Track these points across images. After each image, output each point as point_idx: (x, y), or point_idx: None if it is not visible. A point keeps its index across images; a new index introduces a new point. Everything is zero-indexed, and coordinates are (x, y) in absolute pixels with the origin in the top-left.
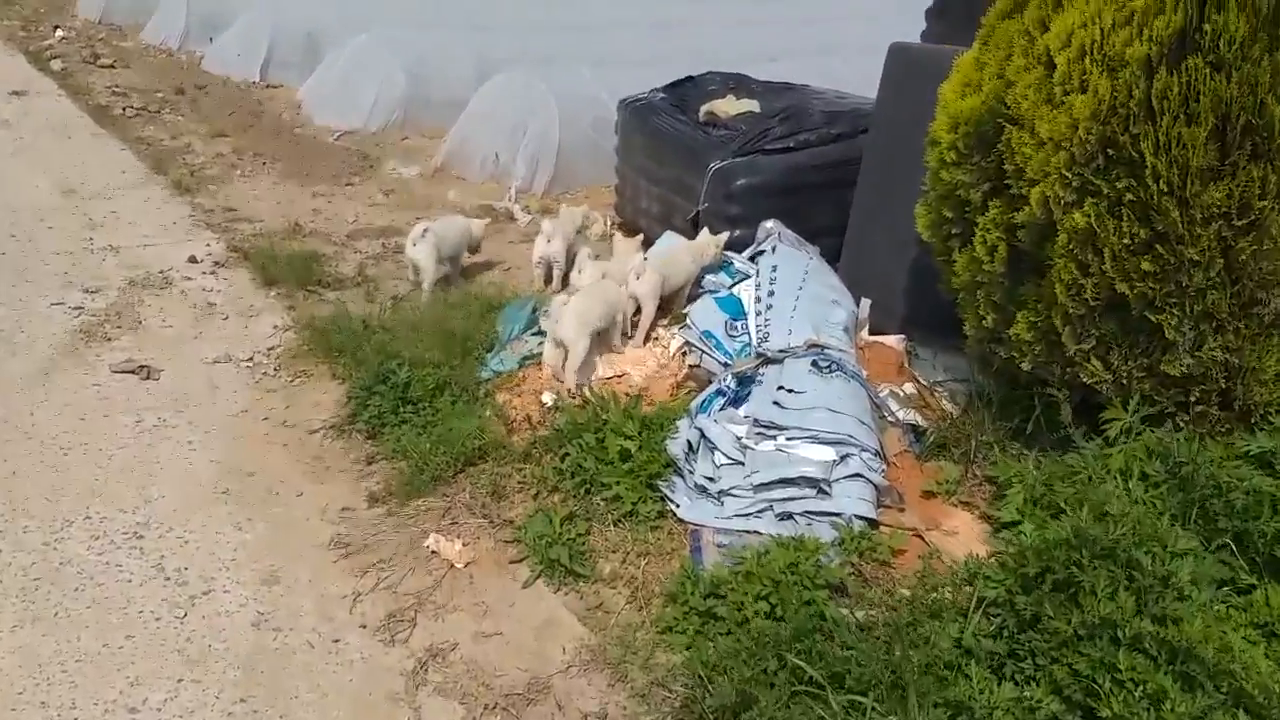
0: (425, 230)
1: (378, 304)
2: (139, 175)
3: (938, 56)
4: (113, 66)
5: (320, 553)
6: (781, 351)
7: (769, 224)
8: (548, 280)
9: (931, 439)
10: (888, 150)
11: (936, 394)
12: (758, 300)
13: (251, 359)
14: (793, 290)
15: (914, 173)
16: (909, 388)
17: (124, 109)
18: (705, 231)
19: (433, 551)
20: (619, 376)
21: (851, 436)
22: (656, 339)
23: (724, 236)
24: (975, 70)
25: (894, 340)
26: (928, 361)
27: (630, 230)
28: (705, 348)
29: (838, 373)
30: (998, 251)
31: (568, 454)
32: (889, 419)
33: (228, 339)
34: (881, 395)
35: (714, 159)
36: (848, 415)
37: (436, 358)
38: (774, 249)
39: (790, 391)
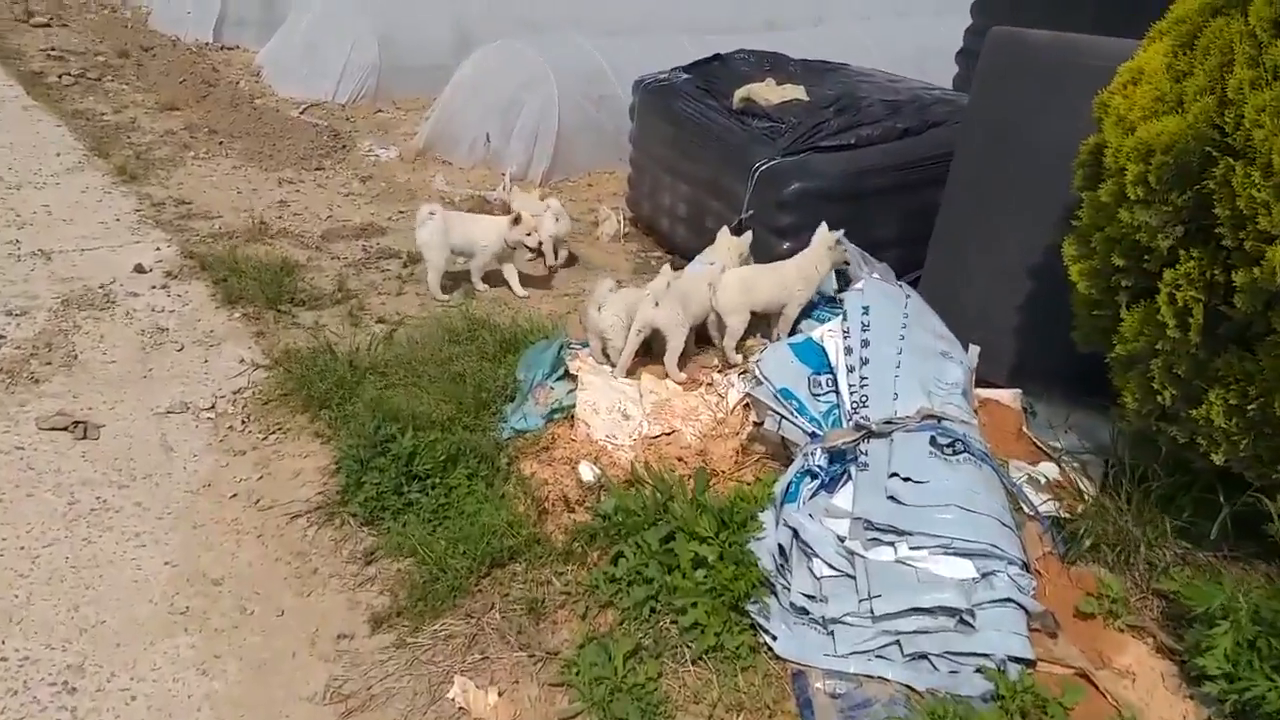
0: (432, 212)
1: (364, 330)
2: (76, 158)
3: (1067, 49)
4: (48, 25)
5: (313, 711)
6: (888, 423)
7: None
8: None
9: (1084, 539)
10: (990, 158)
11: (1064, 466)
12: (848, 351)
13: (213, 407)
14: (893, 339)
15: (1028, 187)
16: (1048, 468)
17: (60, 76)
18: (724, 234)
19: (460, 708)
20: (668, 434)
21: (995, 546)
22: (709, 384)
23: (747, 238)
24: (1170, 81)
25: (1009, 396)
26: (1046, 422)
27: (647, 228)
28: (785, 411)
29: (964, 454)
30: (1192, 315)
31: (622, 555)
32: (1027, 512)
33: (183, 378)
34: (1018, 483)
35: (759, 157)
36: (985, 515)
37: (444, 413)
38: (861, 284)
39: (908, 481)
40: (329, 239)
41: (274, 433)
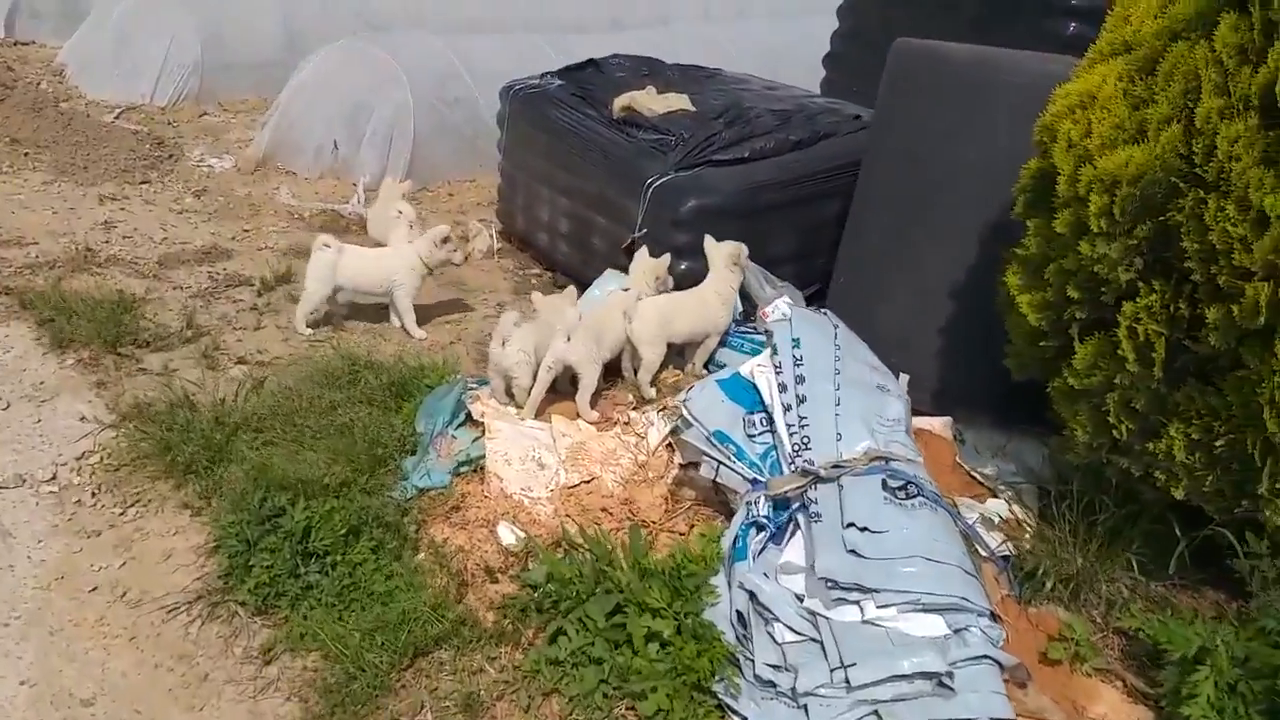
0: (327, 244)
1: (223, 373)
2: None
3: (986, 65)
4: None
5: None
6: (836, 467)
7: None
8: None
9: (1043, 579)
10: (904, 175)
11: (1000, 497)
12: (782, 389)
13: (55, 478)
14: (828, 373)
15: (947, 207)
16: (997, 506)
17: None
18: (641, 256)
19: None
20: (588, 482)
21: (965, 599)
22: (626, 423)
23: (665, 260)
24: (1127, 108)
25: (940, 425)
26: (973, 449)
27: (522, 243)
28: (722, 456)
29: (919, 498)
30: (1154, 349)
31: (563, 633)
32: (982, 553)
33: (13, 444)
34: (970, 522)
35: (650, 172)
36: (949, 565)
37: (336, 474)
38: (781, 311)
39: (866, 531)
40: (167, 265)
41: (132, 505)
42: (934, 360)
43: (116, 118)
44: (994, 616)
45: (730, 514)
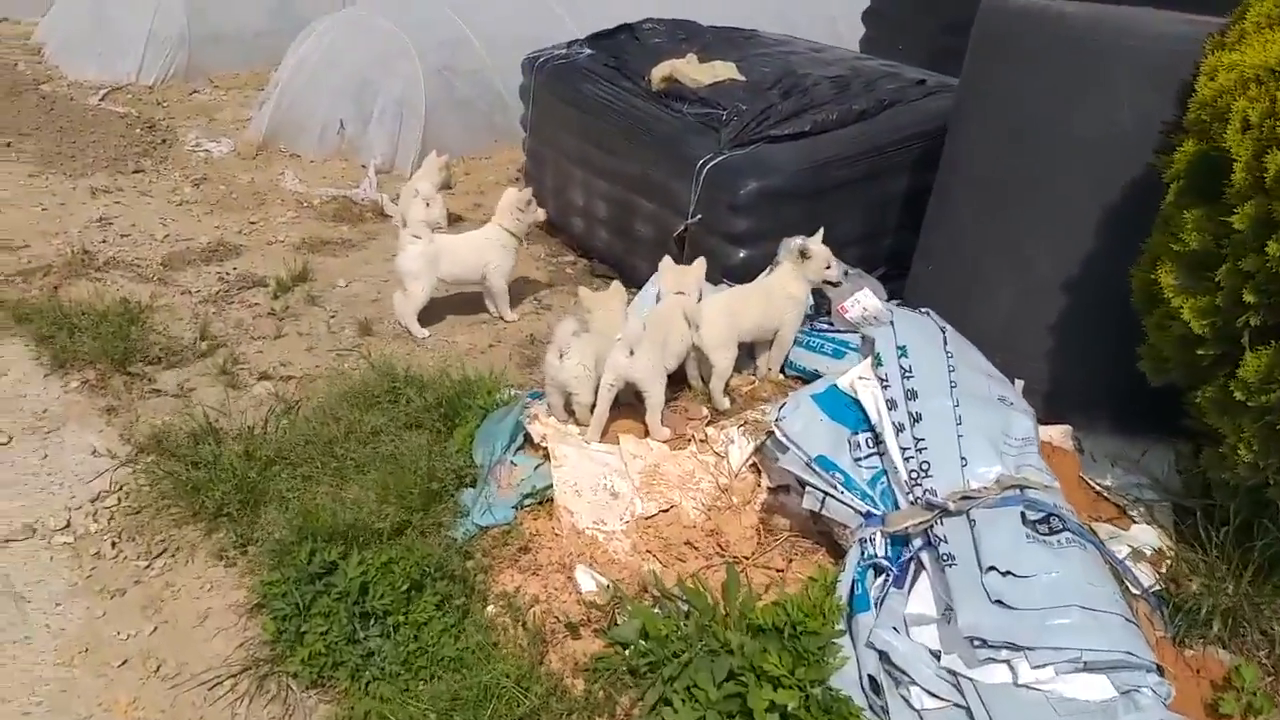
0: (417, 236)
1: (245, 392)
2: None
3: (1101, 25)
4: None
5: None
6: (965, 499)
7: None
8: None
9: (1209, 619)
10: (1003, 154)
11: (1131, 515)
12: (890, 405)
13: (69, 526)
14: (943, 386)
15: (1059, 190)
16: (1145, 534)
17: None
18: (666, 264)
19: None
20: (666, 510)
21: (1132, 654)
22: (703, 440)
23: (699, 266)
24: None
25: (1059, 435)
26: (1090, 457)
27: (552, 227)
28: (829, 485)
29: (1064, 534)
30: None
31: (668, 704)
32: (1133, 590)
33: (18, 486)
34: (1122, 558)
35: (702, 151)
36: (1109, 613)
37: (388, 516)
38: (890, 316)
39: (1009, 576)
40: (173, 266)
41: (159, 556)
42: (1044, 361)
43: (102, 100)
44: (1160, 671)
45: (833, 546)
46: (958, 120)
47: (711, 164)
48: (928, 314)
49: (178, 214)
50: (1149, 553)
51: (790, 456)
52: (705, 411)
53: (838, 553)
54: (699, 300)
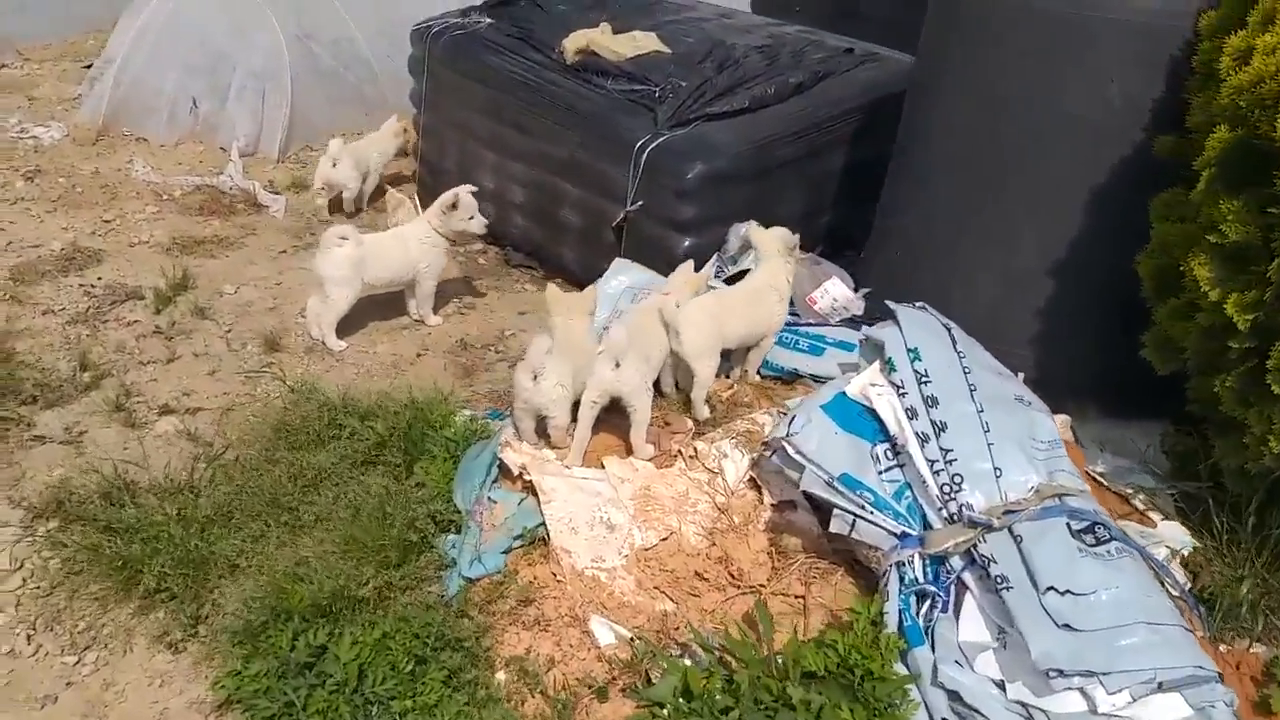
0: (344, 237)
1: (149, 431)
2: None
3: None
4: None
5: None
6: (1008, 512)
7: (745, 228)
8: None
9: (1253, 614)
10: (981, 134)
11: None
12: (910, 414)
13: None
14: (962, 390)
15: (1044, 171)
16: (1173, 532)
17: None
18: (685, 270)
19: None
20: (665, 538)
21: (1200, 668)
22: (692, 455)
23: (707, 273)
24: None
25: (1060, 426)
26: (1080, 443)
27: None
28: (857, 505)
29: (1112, 543)
30: None
31: None
32: (1172, 592)
33: None
34: (1161, 559)
35: (638, 133)
36: (1171, 625)
37: (367, 578)
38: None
39: (1068, 594)
40: (24, 280)
41: (88, 649)
42: (1029, 348)
43: None
44: (1222, 680)
45: (851, 565)
46: (923, 95)
47: (652, 146)
48: (925, 309)
49: (15, 215)
50: (1187, 552)
51: (809, 476)
52: (689, 423)
53: (857, 573)
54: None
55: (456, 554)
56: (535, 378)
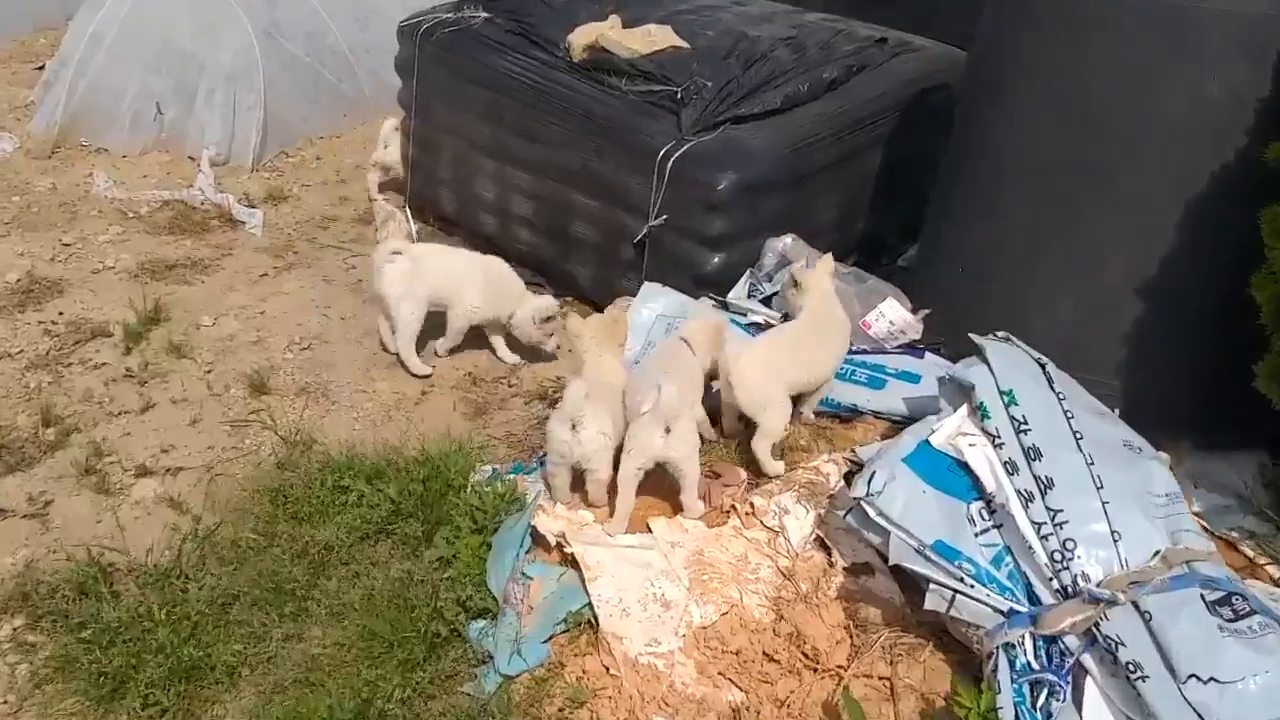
0: (396, 251)
1: (123, 498)
2: None
3: None
4: None
5: None
6: (1133, 584)
7: (783, 242)
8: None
9: None
10: (1065, 135)
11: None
12: (1010, 469)
13: None
14: (1066, 438)
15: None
16: None
17: None
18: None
19: None
20: (725, 613)
21: None
22: (749, 512)
23: (724, 321)
24: None
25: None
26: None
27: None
28: (955, 579)
29: (1255, 616)
30: None
31: None
32: None
33: None
34: None
35: (661, 138)
36: None
37: (391, 686)
38: (984, 349)
39: (1212, 682)
40: None
41: None
42: (1115, 375)
43: None
44: None
45: (940, 637)
46: (987, 97)
47: (677, 154)
48: (1010, 340)
49: None
50: None
51: (897, 544)
52: (741, 474)
53: (946, 646)
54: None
55: (492, 646)
56: (574, 428)
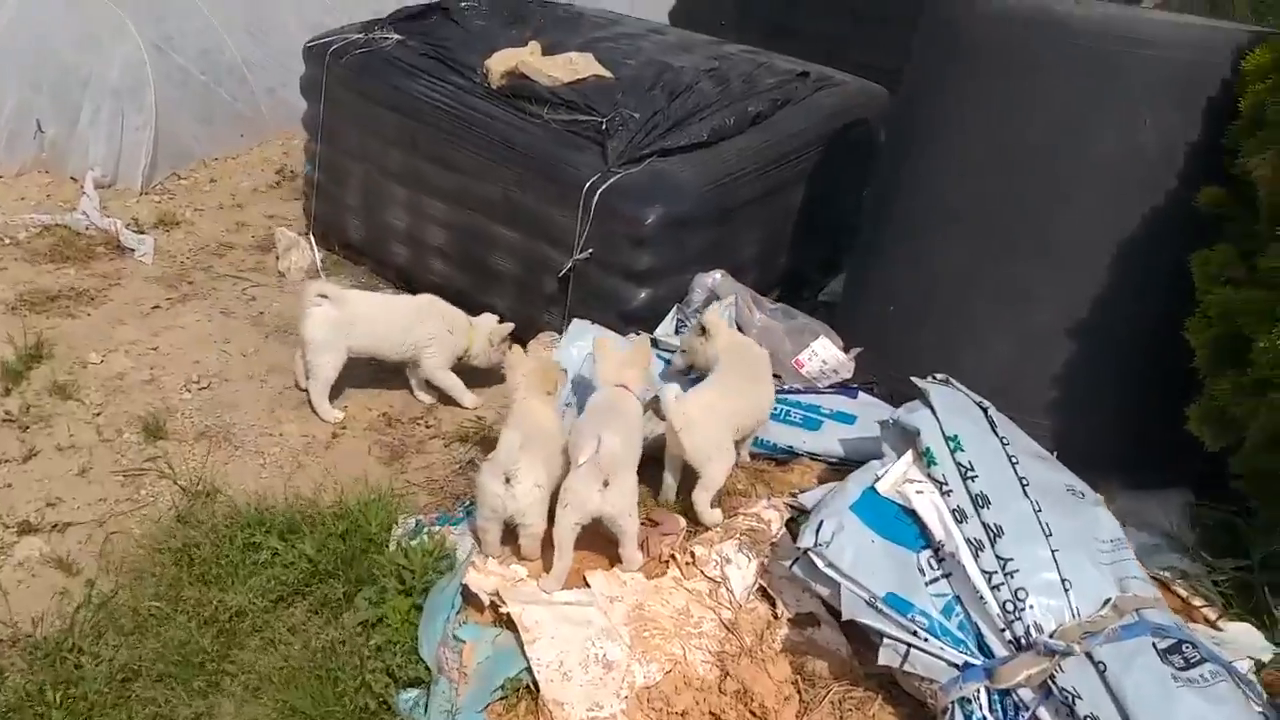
0: (323, 295)
1: (9, 560)
2: None
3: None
4: None
5: None
6: (1087, 633)
7: (712, 278)
8: None
9: None
10: (999, 178)
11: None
12: (959, 516)
13: None
14: (1012, 484)
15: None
16: (1247, 637)
17: None
18: (603, 346)
19: None
20: (668, 671)
21: None
22: (689, 562)
23: (646, 349)
24: None
25: None
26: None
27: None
28: (908, 631)
29: (1203, 665)
30: None
31: None
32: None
33: None
34: (1243, 672)
35: (585, 170)
36: None
37: None
38: (926, 392)
39: None
40: None
41: None
42: (1046, 415)
43: None
44: None
45: (889, 690)
46: (914, 134)
47: (603, 186)
48: (950, 383)
49: None
50: (1267, 659)
51: (849, 597)
52: (681, 522)
53: (896, 700)
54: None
55: (420, 716)
56: (508, 481)
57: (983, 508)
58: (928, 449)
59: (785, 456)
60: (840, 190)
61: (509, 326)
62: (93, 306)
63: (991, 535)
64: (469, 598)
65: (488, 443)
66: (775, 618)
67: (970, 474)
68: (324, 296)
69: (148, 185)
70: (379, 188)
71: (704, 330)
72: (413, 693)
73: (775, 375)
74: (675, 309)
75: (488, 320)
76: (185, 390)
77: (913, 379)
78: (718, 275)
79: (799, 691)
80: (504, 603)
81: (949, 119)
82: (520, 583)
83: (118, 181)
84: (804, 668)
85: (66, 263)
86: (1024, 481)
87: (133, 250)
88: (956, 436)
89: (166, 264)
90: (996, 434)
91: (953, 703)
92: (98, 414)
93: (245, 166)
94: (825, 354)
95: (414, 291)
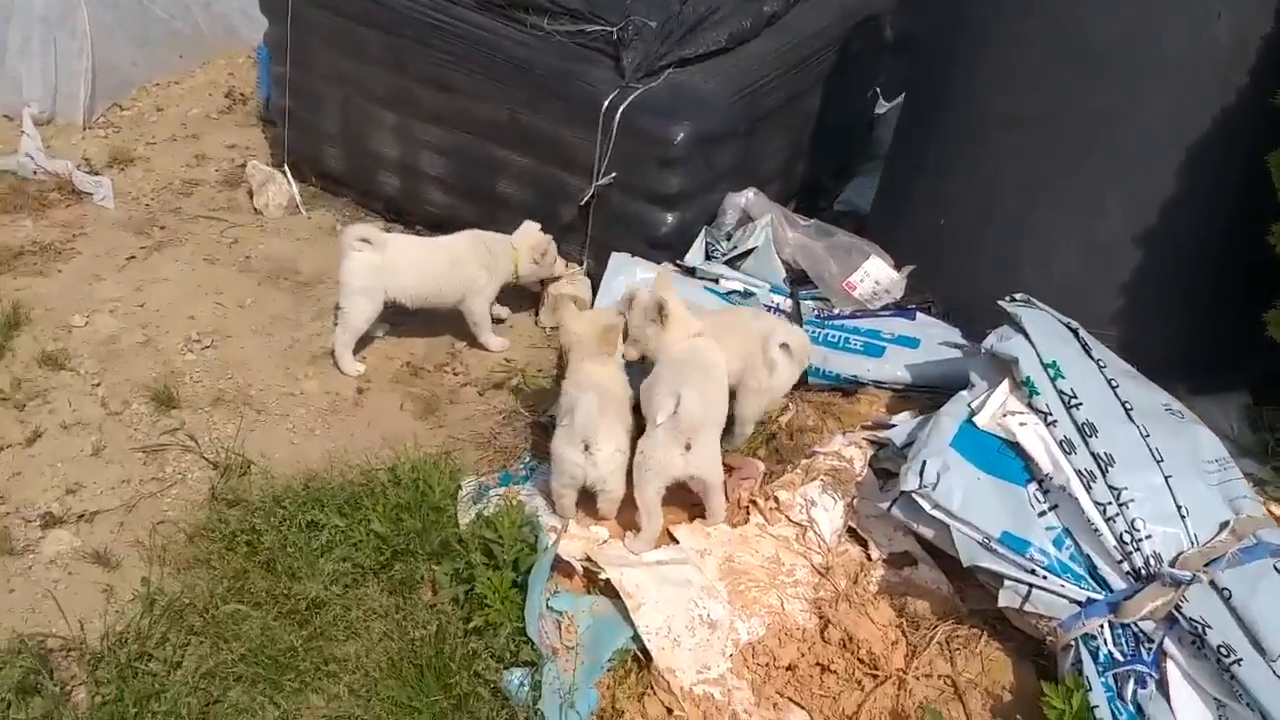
0: (364, 239)
1: (30, 559)
2: None
3: None
4: None
5: None
6: (1211, 562)
7: (745, 197)
8: None
9: None
10: (1058, 79)
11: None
12: (1066, 447)
13: None
14: (1115, 410)
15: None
16: None
17: None
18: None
19: None
20: (768, 625)
21: None
22: (774, 506)
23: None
24: None
25: None
26: None
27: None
28: (1026, 571)
29: None
30: None
31: None
32: None
33: None
34: None
35: (601, 86)
36: None
37: None
38: (1018, 317)
39: None
40: None
41: None
42: (1112, 325)
43: None
44: None
45: (995, 625)
46: (967, 37)
47: (624, 104)
48: (1031, 303)
49: None
50: None
51: (963, 541)
52: (759, 465)
53: (1001, 635)
54: None
55: (540, 701)
56: (587, 448)
57: (1090, 437)
58: (1027, 378)
59: (851, 386)
60: (852, 91)
61: (549, 238)
62: (62, 261)
63: (1102, 465)
64: (556, 563)
65: (524, 394)
66: (869, 559)
67: (1074, 402)
68: (365, 241)
69: (90, 119)
70: (362, 113)
71: (660, 311)
72: (518, 672)
73: (822, 299)
74: (704, 232)
75: (528, 234)
76: (187, 351)
77: (1000, 302)
78: (750, 194)
79: (904, 634)
80: (599, 568)
81: (1008, 18)
82: (605, 544)
83: (57, 117)
84: (905, 609)
85: (20, 213)
86: (1127, 406)
87: (90, 194)
88: (1055, 363)
89: (131, 207)
90: (1092, 357)
91: (1076, 640)
92: (97, 384)
93: (191, 92)
94: (878, 274)
95: (407, 224)
